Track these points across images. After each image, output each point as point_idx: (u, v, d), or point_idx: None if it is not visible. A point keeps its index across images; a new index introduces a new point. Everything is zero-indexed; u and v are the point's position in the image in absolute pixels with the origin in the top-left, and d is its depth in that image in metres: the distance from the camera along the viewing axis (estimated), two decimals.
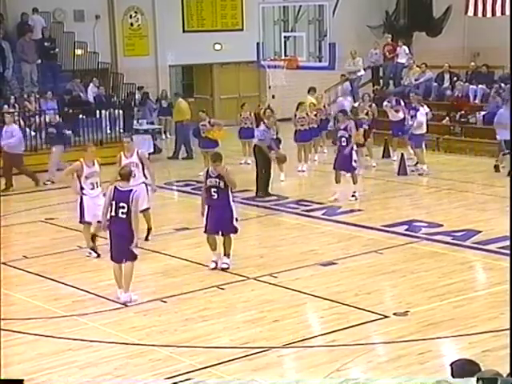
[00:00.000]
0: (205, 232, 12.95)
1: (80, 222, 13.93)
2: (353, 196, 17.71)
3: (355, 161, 17.73)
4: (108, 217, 11.38)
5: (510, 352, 7.75)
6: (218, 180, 12.72)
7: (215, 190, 12.74)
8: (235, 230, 12.92)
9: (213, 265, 12.99)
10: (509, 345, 8.62)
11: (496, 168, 20.19)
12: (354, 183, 17.89)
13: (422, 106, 21.27)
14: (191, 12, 28.35)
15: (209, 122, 20.66)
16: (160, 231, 15.14)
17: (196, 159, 22.14)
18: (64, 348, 9.99)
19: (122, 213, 11.24)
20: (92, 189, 13.75)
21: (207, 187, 12.84)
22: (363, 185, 19.87)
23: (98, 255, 13.56)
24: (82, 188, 13.74)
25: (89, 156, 13.99)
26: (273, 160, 18.53)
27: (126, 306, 11.41)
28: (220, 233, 12.92)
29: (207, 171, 12.95)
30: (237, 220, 12.90)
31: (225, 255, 13.00)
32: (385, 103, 22.64)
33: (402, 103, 22.23)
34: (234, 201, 13.04)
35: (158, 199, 16.09)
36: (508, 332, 9.40)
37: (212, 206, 12.83)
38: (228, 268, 12.87)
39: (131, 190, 11.42)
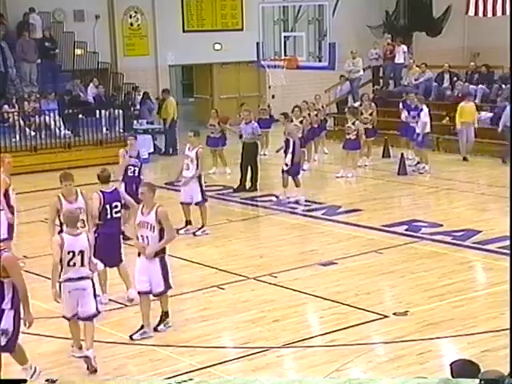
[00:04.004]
0: None
1: None
2: (296, 202, 17.51)
3: (286, 164, 17.50)
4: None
5: (509, 352, 7.76)
6: None
7: None
8: None
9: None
10: (509, 345, 8.64)
11: None
12: (296, 186, 17.73)
13: (425, 106, 21.25)
14: (191, 12, 28.33)
15: (218, 123, 20.73)
16: None
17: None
18: (64, 348, 9.99)
19: (116, 212, 11.51)
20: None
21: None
22: (363, 185, 19.91)
23: None
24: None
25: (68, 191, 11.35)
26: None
27: (126, 305, 11.43)
28: None
29: None
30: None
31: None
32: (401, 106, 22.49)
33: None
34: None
35: (157, 199, 16.03)
36: (508, 332, 9.43)
37: None
38: None
39: (116, 189, 11.79)
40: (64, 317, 9.69)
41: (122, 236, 11.82)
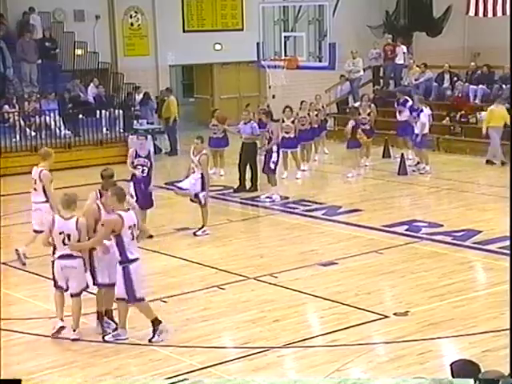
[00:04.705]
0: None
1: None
2: (267, 198, 17.86)
3: (273, 162, 17.72)
4: None
5: (510, 352, 7.76)
6: None
7: None
8: None
9: None
10: (509, 345, 8.64)
11: None
12: (272, 185, 17.95)
13: (426, 107, 21.22)
14: (191, 12, 28.34)
15: (218, 121, 20.77)
16: (160, 231, 15.15)
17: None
18: (64, 348, 9.99)
19: None
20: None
21: None
22: (363, 185, 19.91)
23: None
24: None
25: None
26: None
27: None
28: None
29: None
30: None
31: None
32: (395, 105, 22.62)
33: (409, 104, 22.01)
34: None
35: (158, 199, 16.08)
36: (508, 332, 9.43)
37: None
38: None
39: None
40: (54, 285, 10.42)
41: None
